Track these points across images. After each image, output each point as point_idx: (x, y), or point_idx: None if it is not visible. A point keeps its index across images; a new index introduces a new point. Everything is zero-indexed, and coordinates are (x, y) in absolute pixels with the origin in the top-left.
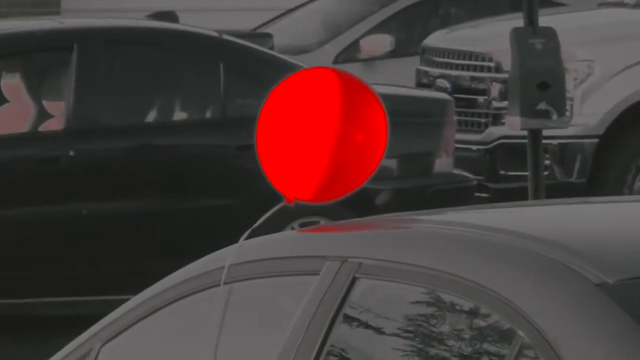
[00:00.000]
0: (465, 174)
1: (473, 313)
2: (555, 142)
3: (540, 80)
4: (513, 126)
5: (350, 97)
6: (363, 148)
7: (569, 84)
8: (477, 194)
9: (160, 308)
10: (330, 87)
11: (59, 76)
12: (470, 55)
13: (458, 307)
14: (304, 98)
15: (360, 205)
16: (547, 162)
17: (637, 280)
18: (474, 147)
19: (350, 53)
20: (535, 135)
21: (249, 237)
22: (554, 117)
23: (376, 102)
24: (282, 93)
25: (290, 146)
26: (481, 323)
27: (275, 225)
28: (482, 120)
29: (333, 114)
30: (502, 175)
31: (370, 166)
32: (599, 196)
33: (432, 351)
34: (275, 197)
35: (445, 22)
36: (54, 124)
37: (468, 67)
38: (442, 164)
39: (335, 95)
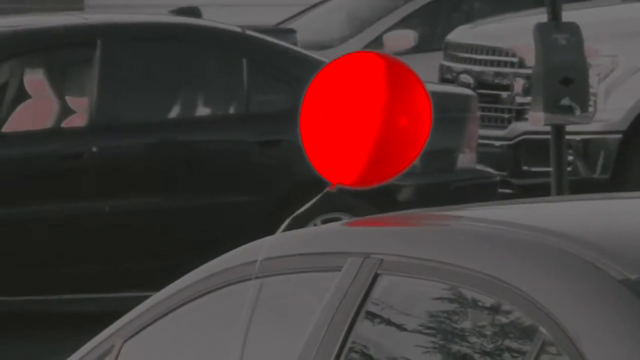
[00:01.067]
0: (488, 169)
1: (495, 309)
2: (578, 137)
3: (564, 75)
4: (536, 122)
5: (395, 81)
6: (407, 132)
7: (593, 80)
8: (500, 190)
9: (183, 304)
10: (374, 70)
11: (82, 72)
12: (494, 51)
13: (480, 304)
14: (347, 82)
15: (383, 201)
16: (570, 157)
17: None
18: (497, 143)
19: (373, 48)
20: (558, 130)
21: (289, 226)
22: (577, 112)
23: (420, 85)
24: (326, 78)
25: (334, 131)
26: (503, 319)
27: (299, 221)
28: (506, 115)
29: (377, 98)
30: (525, 171)
31: (414, 150)
32: (622, 192)
33: (454, 348)
34: (320, 185)
35: (469, 18)
36: (77, 120)
37: (491, 63)
38: (465, 159)
39: (380, 79)
